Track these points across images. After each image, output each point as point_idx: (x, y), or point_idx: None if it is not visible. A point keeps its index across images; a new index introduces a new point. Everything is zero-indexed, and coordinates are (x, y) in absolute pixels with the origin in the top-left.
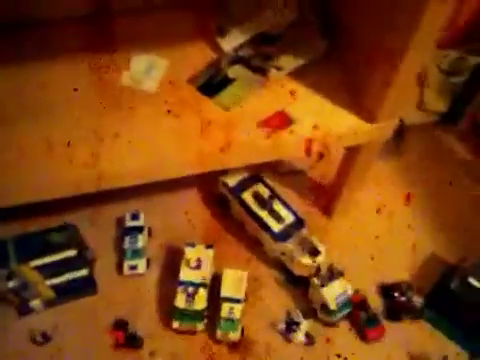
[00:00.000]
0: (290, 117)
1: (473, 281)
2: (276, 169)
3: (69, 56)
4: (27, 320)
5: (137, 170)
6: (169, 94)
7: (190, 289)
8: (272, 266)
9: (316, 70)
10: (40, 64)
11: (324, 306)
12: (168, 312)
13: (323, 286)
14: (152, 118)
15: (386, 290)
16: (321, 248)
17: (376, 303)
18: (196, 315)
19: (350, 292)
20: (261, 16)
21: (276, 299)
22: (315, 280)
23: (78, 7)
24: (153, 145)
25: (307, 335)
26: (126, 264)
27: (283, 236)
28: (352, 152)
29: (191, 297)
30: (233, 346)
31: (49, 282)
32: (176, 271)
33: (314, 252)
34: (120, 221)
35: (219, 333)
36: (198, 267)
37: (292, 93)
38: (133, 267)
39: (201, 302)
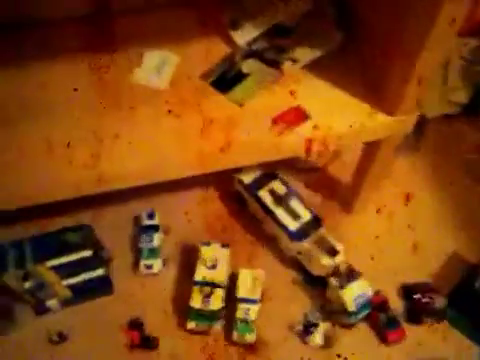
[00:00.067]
0: (306, 112)
1: None
2: (293, 165)
3: (69, 56)
4: (44, 319)
5: (137, 171)
6: (180, 91)
7: (206, 289)
8: (289, 265)
9: (332, 63)
10: (40, 64)
11: (342, 307)
12: (184, 312)
13: (342, 287)
14: (152, 118)
15: (407, 291)
16: (339, 248)
17: (395, 304)
18: (212, 316)
19: (370, 293)
20: (274, 8)
21: (293, 300)
22: (333, 281)
23: (78, 7)
24: (153, 145)
25: (325, 338)
26: (142, 263)
27: (300, 235)
28: (371, 147)
29: (207, 297)
30: (249, 348)
31: (65, 282)
32: (192, 270)
33: (332, 252)
34: (137, 220)
35: (235, 335)
36: (214, 267)
37: (304, 87)
38: (149, 266)
39: (217, 302)
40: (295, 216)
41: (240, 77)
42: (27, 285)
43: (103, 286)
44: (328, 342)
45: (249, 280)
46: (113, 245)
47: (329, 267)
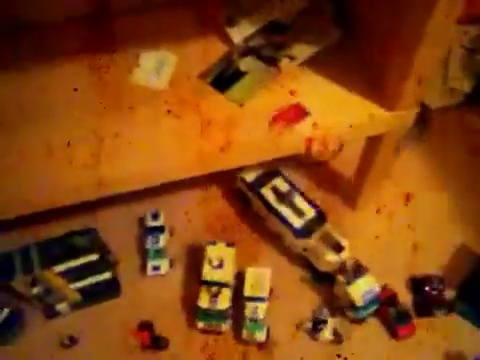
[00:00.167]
0: (305, 109)
1: None
2: (296, 160)
3: (68, 57)
4: (54, 323)
5: (138, 174)
6: (179, 92)
7: (213, 289)
8: (295, 263)
9: (330, 59)
10: (39, 66)
11: (351, 303)
12: (192, 312)
13: (349, 283)
14: (152, 118)
15: (416, 284)
16: (344, 243)
17: (403, 298)
18: (220, 315)
19: (377, 289)
20: (270, 5)
21: (301, 297)
22: (340, 277)
23: (77, 8)
24: (153, 146)
25: (335, 333)
26: (149, 265)
27: (305, 232)
28: (373, 142)
29: (215, 297)
30: (260, 346)
31: (73, 286)
32: (199, 270)
33: (337, 248)
34: (141, 221)
35: (245, 333)
36: (220, 266)
37: (303, 84)
38: (156, 268)
39: (225, 302)
40: (299, 213)
41: (238, 75)
42: (35, 291)
43: (111, 289)
44: (337, 338)
45: (256, 278)
46: (119, 247)
47: (335, 263)
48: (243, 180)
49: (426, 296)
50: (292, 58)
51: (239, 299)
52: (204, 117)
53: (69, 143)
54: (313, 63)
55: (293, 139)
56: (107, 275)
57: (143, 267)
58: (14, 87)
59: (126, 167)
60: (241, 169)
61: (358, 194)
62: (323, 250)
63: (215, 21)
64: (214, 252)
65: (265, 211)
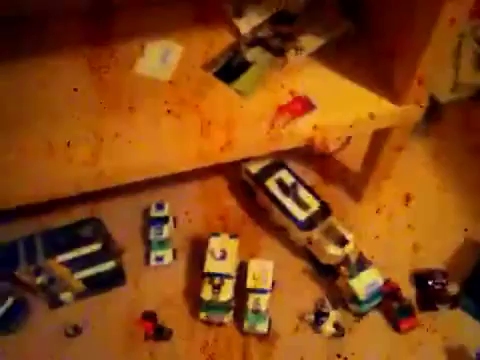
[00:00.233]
0: (311, 102)
1: None
2: (304, 152)
3: (70, 49)
4: (58, 312)
5: (137, 166)
6: (182, 85)
7: (216, 280)
8: (299, 255)
9: (337, 51)
10: (41, 57)
11: (353, 296)
12: (196, 303)
13: (351, 276)
14: (152, 118)
15: (419, 278)
16: (349, 237)
17: (408, 293)
18: (222, 307)
19: (380, 282)
20: None
21: (304, 290)
22: (343, 270)
23: (79, 2)
24: (153, 145)
25: (337, 326)
26: (153, 255)
27: (308, 224)
28: (379, 136)
29: (217, 289)
30: (261, 338)
31: (77, 275)
32: (202, 261)
33: (341, 241)
34: (146, 211)
35: (247, 325)
36: (223, 258)
37: (311, 76)
38: (160, 258)
39: (227, 293)
40: (303, 206)
41: (245, 66)
42: (39, 280)
43: (115, 278)
44: (339, 331)
45: (259, 271)
46: (124, 237)
47: (338, 256)
48: (248, 172)
49: (429, 290)
50: (300, 49)
51: (242, 291)
52: (204, 117)
53: (69, 143)
54: (320, 55)
55: (299, 130)
56: (111, 264)
57: (147, 257)
58: (14, 83)
59: (126, 160)
60: (246, 160)
61: (363, 188)
62: (327, 243)
63: (221, 10)
64: (217, 244)
65: (269, 203)
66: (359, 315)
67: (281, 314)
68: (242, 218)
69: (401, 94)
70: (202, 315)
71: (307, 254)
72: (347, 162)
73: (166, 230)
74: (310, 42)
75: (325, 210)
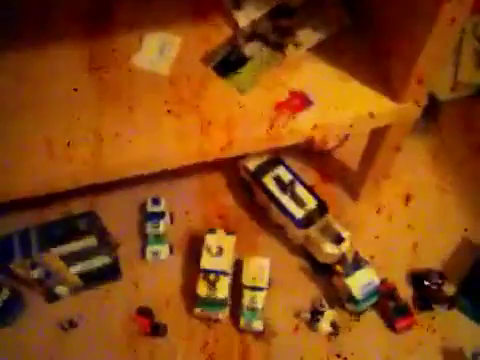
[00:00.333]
0: (309, 98)
1: None
2: (302, 150)
3: (69, 45)
4: (54, 306)
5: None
6: (180, 79)
7: (211, 277)
8: (296, 253)
9: (336, 47)
10: (40, 49)
11: (349, 295)
12: (192, 299)
13: (348, 275)
14: (152, 118)
15: (416, 278)
16: (345, 235)
17: (405, 293)
18: (218, 303)
19: (377, 282)
20: None
21: (300, 288)
22: (339, 269)
23: None
24: (153, 145)
25: (333, 325)
26: (149, 250)
27: (305, 222)
28: (378, 134)
29: (213, 285)
30: (257, 336)
31: (73, 269)
32: (199, 257)
33: (338, 239)
34: (143, 206)
35: (243, 322)
36: (219, 254)
37: (310, 73)
38: (156, 253)
39: (223, 290)
40: (301, 203)
41: (242, 61)
42: (35, 274)
43: (111, 272)
44: (335, 330)
45: (255, 268)
46: (121, 232)
47: (335, 255)
48: (246, 168)
49: (426, 291)
50: (298, 45)
51: (237, 288)
52: (204, 117)
53: (69, 143)
54: (319, 51)
55: (297, 127)
56: (107, 259)
57: (143, 252)
58: (14, 80)
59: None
60: (244, 156)
61: (361, 186)
62: (323, 241)
63: (221, 3)
64: (214, 240)
65: (267, 201)
66: (355, 314)
67: (277, 312)
68: (240, 215)
69: (400, 92)
70: (197, 311)
71: (304, 252)
72: (345, 160)
73: (162, 225)
74: (309, 37)
75: (322, 208)
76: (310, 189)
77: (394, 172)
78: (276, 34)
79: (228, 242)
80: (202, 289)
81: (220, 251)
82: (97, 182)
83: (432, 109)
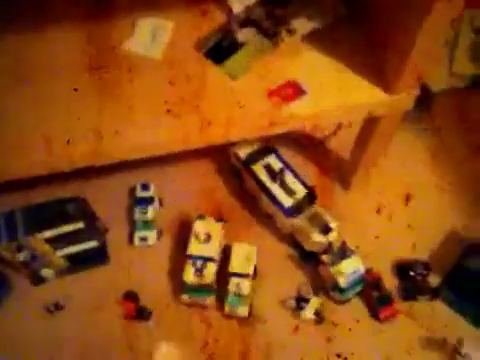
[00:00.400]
0: (302, 87)
1: None
2: (294, 139)
3: (66, 26)
4: (40, 289)
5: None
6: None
7: (199, 263)
8: (283, 241)
9: (331, 36)
10: (38, 32)
11: (334, 284)
12: (178, 284)
13: (333, 264)
14: (152, 118)
15: (402, 269)
16: (333, 225)
17: (390, 283)
18: (205, 289)
19: (362, 271)
20: None
21: (286, 275)
22: (325, 258)
23: None
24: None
25: (317, 313)
26: (136, 235)
27: (294, 211)
28: (370, 123)
29: (199, 271)
30: (242, 321)
31: (60, 253)
32: (187, 243)
33: (325, 228)
34: (133, 191)
35: (227, 308)
36: (207, 241)
37: (303, 61)
38: (143, 239)
39: (209, 276)
40: (290, 192)
41: (235, 47)
42: (21, 257)
43: (98, 256)
44: (320, 317)
45: (242, 255)
46: (109, 216)
47: (321, 244)
48: (237, 155)
49: (411, 281)
50: (292, 32)
51: (224, 275)
52: (204, 117)
53: (69, 141)
54: (314, 40)
55: (287, 117)
56: (94, 243)
57: (131, 237)
58: (14, 78)
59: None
60: (235, 144)
61: (352, 176)
62: (311, 230)
63: None
64: (202, 226)
65: (257, 189)
66: (340, 303)
67: (265, 299)
68: (229, 202)
69: (393, 83)
70: (184, 297)
71: (292, 241)
72: (337, 149)
73: (151, 211)
74: (303, 26)
75: (311, 197)
76: (300, 178)
77: (394, 172)
78: (270, 21)
79: (216, 229)
80: (188, 275)
81: (208, 238)
82: (91, 163)
83: (425, 100)
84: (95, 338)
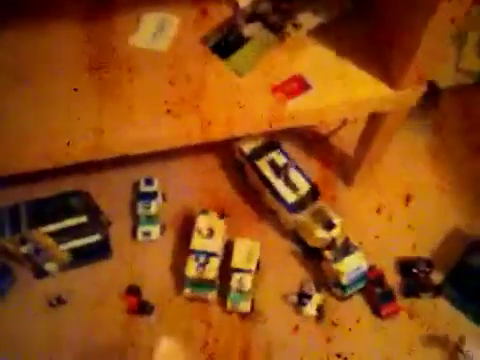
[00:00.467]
0: (307, 82)
1: None
2: (298, 135)
3: (70, 24)
4: (43, 283)
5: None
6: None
7: (201, 258)
8: (286, 237)
9: (337, 31)
10: (39, 26)
11: (337, 280)
12: (181, 279)
13: (336, 260)
14: (152, 118)
15: (404, 266)
16: (337, 221)
17: (393, 280)
18: (207, 284)
19: (365, 267)
20: None
21: (290, 271)
22: (328, 254)
23: None
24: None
25: (319, 309)
26: (140, 230)
27: (297, 207)
28: (375, 120)
29: (202, 266)
30: (244, 317)
31: (63, 246)
32: (190, 238)
33: (328, 225)
34: (136, 186)
35: (229, 304)
36: (210, 236)
37: (308, 56)
38: (147, 233)
39: (212, 271)
40: (293, 188)
41: (242, 41)
42: (24, 250)
43: (101, 250)
44: (321, 314)
45: (244, 250)
46: (113, 211)
47: (325, 240)
48: (241, 150)
49: (413, 278)
50: (298, 27)
51: (226, 270)
52: (204, 117)
53: (69, 143)
54: (319, 35)
55: (292, 112)
56: (97, 237)
57: (134, 232)
58: (13, 78)
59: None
60: (239, 138)
61: (355, 171)
62: (314, 226)
63: None
64: (205, 222)
65: (260, 185)
66: (342, 299)
67: (265, 294)
68: (233, 197)
69: (398, 80)
70: (186, 292)
71: (295, 237)
72: (342, 146)
73: (154, 206)
74: (309, 20)
75: (314, 193)
76: (304, 173)
77: (394, 172)
78: (276, 15)
79: (219, 224)
80: (191, 270)
81: (211, 233)
82: (93, 158)
83: (432, 96)
84: (97, 332)
